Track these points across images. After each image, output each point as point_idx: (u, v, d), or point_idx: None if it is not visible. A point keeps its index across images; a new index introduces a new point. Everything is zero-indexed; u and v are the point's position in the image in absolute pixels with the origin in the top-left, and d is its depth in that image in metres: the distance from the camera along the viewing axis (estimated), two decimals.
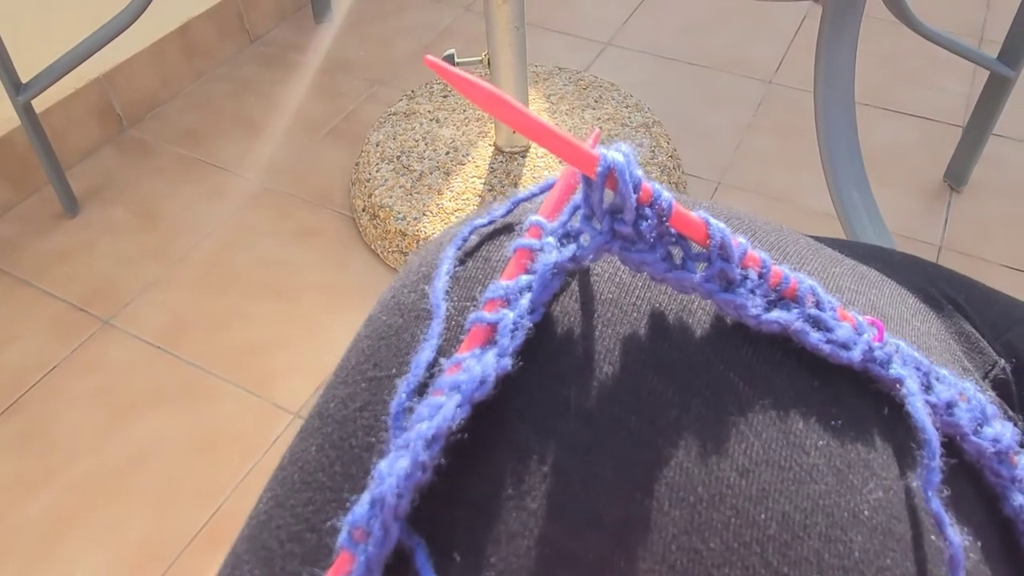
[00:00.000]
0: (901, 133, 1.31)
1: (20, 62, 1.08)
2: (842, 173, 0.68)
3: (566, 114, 1.24)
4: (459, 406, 0.15)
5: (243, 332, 1.05)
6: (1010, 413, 0.22)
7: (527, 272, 0.16)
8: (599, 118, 1.23)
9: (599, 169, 0.16)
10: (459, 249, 0.19)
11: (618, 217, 0.16)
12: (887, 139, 1.30)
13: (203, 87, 1.46)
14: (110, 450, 0.93)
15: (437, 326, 0.17)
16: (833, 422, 0.17)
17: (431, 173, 1.15)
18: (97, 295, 1.10)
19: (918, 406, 0.16)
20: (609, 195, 0.16)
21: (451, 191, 1.12)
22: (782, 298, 0.17)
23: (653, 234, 0.16)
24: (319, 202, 1.23)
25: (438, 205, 1.11)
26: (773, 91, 1.41)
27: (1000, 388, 0.23)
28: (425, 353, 0.17)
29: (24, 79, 1.09)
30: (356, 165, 1.23)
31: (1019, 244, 1.12)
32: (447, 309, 0.18)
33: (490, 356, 0.15)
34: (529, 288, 0.16)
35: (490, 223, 0.21)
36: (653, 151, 1.17)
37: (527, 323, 0.16)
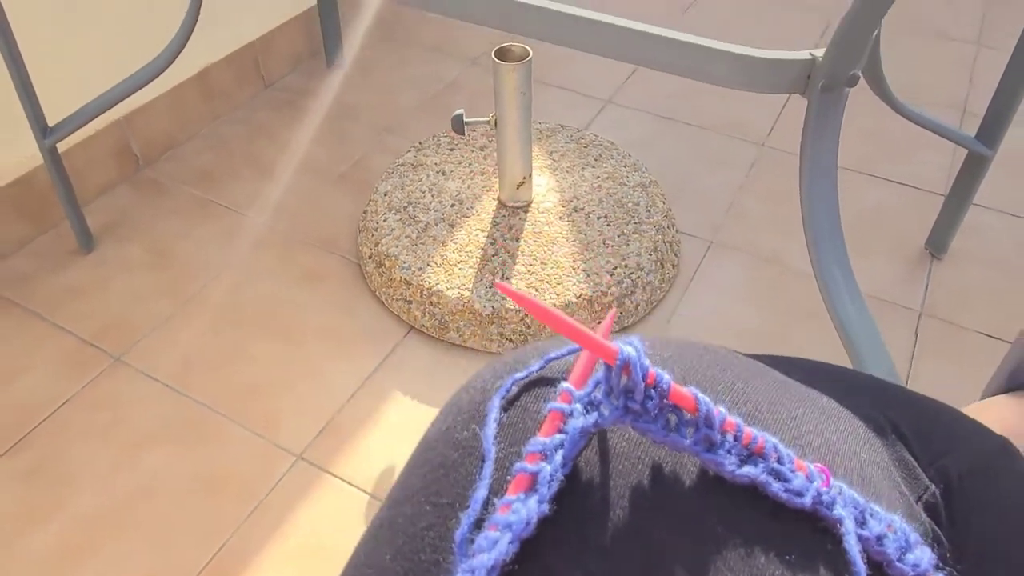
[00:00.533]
0: (885, 199, 1.38)
1: (47, 105, 1.12)
2: (825, 254, 0.73)
3: (567, 171, 1.30)
4: (511, 542, 0.19)
5: (249, 373, 1.09)
6: (937, 531, 0.27)
7: (560, 431, 0.21)
8: (598, 176, 1.29)
9: (618, 362, 0.21)
10: (503, 399, 0.24)
11: (630, 396, 0.21)
12: (872, 205, 1.37)
13: (218, 130, 1.51)
14: (117, 486, 0.96)
15: (489, 468, 0.22)
16: (788, 556, 0.21)
17: (436, 224, 1.20)
18: (109, 331, 1.14)
19: (852, 544, 0.21)
20: (623, 378, 0.21)
21: (455, 243, 1.17)
22: (752, 455, 0.22)
23: (656, 409, 0.21)
24: (326, 247, 1.28)
25: (442, 256, 1.15)
26: (765, 154, 1.48)
27: (930, 510, 0.28)
28: (481, 492, 0.21)
29: (51, 122, 1.14)
30: (364, 213, 1.28)
31: (996, 312, 1.18)
32: (495, 453, 0.22)
33: (532, 502, 0.20)
34: (562, 446, 0.21)
35: (527, 376, 0.25)
36: (649, 210, 1.23)
37: (560, 475, 0.21)
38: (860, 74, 0.71)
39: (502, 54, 1.08)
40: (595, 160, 1.33)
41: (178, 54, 1.08)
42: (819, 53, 0.70)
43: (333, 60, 1.67)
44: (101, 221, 1.31)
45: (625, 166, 1.32)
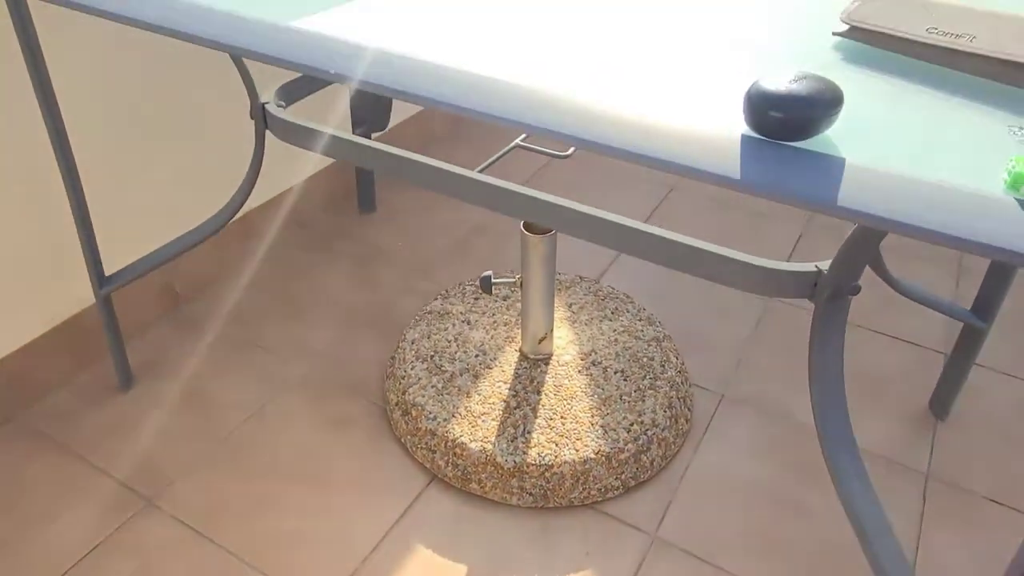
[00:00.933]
0: (887, 356, 1.44)
1: (104, 252, 1.21)
2: (836, 447, 0.78)
3: (585, 324, 1.37)
4: None
5: (276, 520, 1.12)
6: None
7: None
8: (615, 329, 1.36)
9: None
10: None
11: None
12: (876, 362, 1.42)
13: (254, 270, 1.60)
14: None
15: None
16: None
17: (461, 375, 1.26)
18: (143, 473, 1.18)
19: None
20: None
21: (479, 394, 1.23)
22: None
23: None
24: (354, 391, 1.33)
25: (467, 408, 1.21)
26: (772, 307, 1.55)
27: None
28: None
29: (108, 271, 1.22)
30: (392, 359, 1.34)
31: (1001, 477, 1.21)
32: None
33: None
34: None
35: None
36: (664, 366, 1.29)
37: None
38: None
39: (529, 224, 1.17)
40: (612, 313, 1.40)
41: (234, 215, 1.18)
42: (824, 266, 0.78)
43: (365, 204, 1.79)
44: (140, 358, 1.38)
45: (640, 320, 1.39)
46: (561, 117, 0.52)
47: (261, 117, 1.05)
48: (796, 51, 0.63)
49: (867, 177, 0.44)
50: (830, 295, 0.77)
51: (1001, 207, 0.42)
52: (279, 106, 1.07)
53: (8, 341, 1.23)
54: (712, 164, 0.46)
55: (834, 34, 0.64)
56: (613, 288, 1.47)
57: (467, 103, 0.55)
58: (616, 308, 1.42)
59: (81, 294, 1.31)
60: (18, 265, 1.21)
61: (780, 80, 0.48)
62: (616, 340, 1.34)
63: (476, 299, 1.43)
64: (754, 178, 0.45)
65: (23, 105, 1.13)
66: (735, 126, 0.50)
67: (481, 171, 0.95)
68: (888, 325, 1.51)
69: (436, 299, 1.44)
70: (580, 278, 1.50)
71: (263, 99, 1.06)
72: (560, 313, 1.40)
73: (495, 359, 1.29)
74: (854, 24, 0.62)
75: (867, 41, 0.61)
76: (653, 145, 0.49)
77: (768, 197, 0.44)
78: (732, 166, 0.46)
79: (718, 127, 0.50)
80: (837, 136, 0.50)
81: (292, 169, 1.67)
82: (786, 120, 0.47)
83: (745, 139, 0.48)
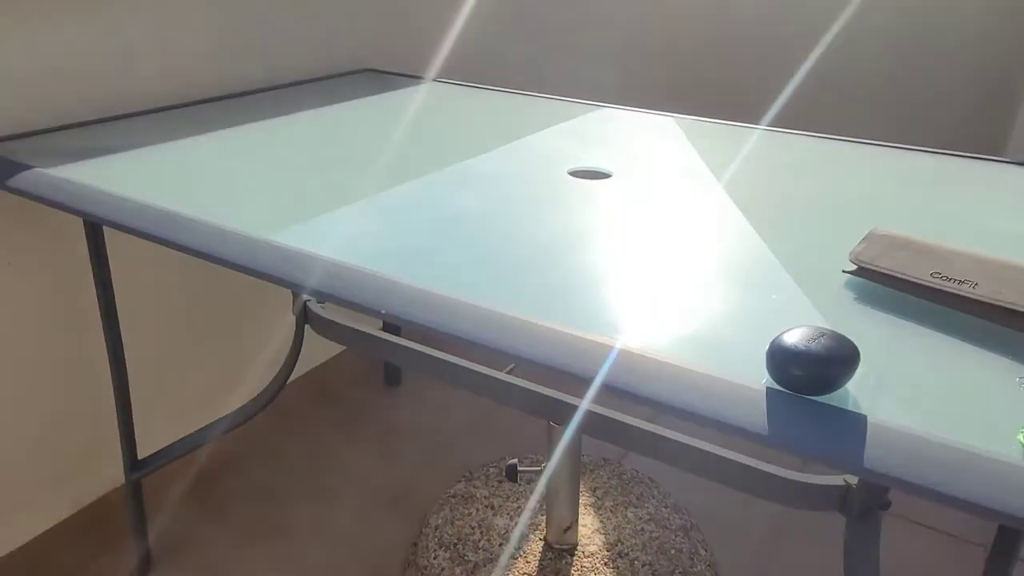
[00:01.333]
0: (926, 549, 1.39)
1: (138, 435, 1.24)
2: None
3: (610, 511, 1.35)
4: None
5: None
6: None
7: None
8: (641, 518, 1.34)
9: None
10: None
11: None
12: (913, 555, 1.38)
13: (280, 446, 1.62)
14: None
15: None
16: None
17: (485, 565, 1.24)
18: None
19: None
20: None
21: None
22: None
23: None
24: None
25: None
26: None
27: None
28: None
29: (140, 454, 1.25)
30: (414, 546, 1.32)
31: None
32: None
33: None
34: None
35: None
36: (692, 559, 1.26)
37: None
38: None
39: None
40: (637, 499, 1.39)
41: (268, 404, 1.21)
42: (853, 480, 0.78)
43: (391, 378, 1.82)
44: (161, 540, 1.36)
45: (666, 507, 1.37)
46: (576, 360, 0.56)
47: (303, 314, 1.11)
48: (809, 289, 0.68)
49: (889, 438, 0.47)
50: (861, 508, 0.77)
51: (1021, 475, 0.44)
52: (319, 303, 1.13)
53: (35, 525, 1.24)
54: (739, 419, 0.49)
55: (844, 272, 0.69)
56: (637, 471, 1.47)
57: (484, 339, 0.59)
58: (641, 494, 1.40)
59: (109, 475, 1.32)
60: (53, 449, 1.24)
61: (800, 337, 0.52)
62: (643, 529, 1.31)
63: (500, 482, 1.42)
64: (782, 437, 0.47)
65: (79, 297, 1.21)
66: (759, 376, 0.53)
67: (508, 372, 0.99)
68: (923, 514, 1.47)
69: (460, 481, 1.43)
70: (604, 460, 1.50)
71: (305, 297, 1.13)
72: (585, 499, 1.38)
73: (519, 548, 1.27)
74: (862, 265, 0.67)
75: (875, 280, 0.66)
76: (679, 396, 0.52)
77: (798, 455, 0.47)
78: (760, 422, 0.49)
79: (743, 380, 0.53)
80: (854, 384, 0.53)
81: (322, 346, 1.73)
82: (807, 378, 0.50)
83: (770, 392, 0.52)
